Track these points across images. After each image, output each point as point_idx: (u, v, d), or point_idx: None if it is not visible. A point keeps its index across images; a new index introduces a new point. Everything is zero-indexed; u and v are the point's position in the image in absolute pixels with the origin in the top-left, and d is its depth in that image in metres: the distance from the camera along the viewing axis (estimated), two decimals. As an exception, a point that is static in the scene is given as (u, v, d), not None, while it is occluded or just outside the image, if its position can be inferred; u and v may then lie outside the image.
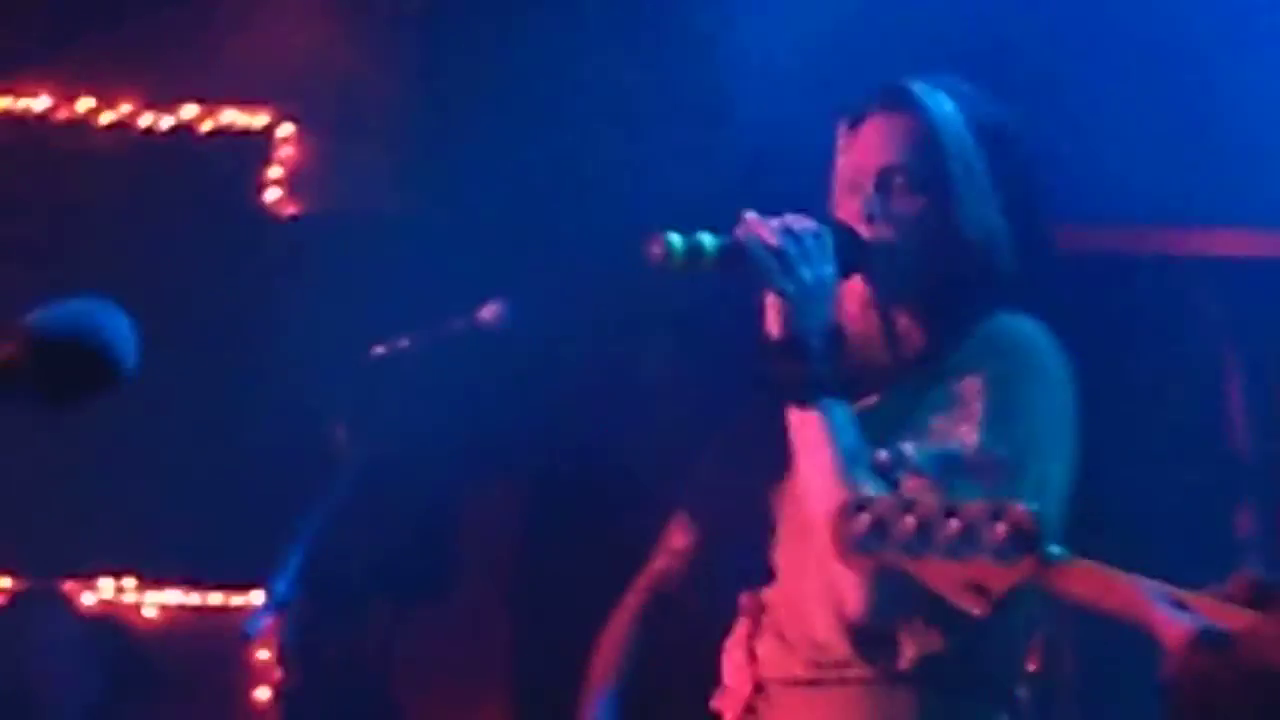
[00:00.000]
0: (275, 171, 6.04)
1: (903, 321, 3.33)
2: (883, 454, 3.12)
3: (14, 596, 5.69)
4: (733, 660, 3.40)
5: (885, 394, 3.30)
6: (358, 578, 5.26)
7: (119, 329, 2.25)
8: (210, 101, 5.99)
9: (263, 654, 5.69)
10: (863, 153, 3.29)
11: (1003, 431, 3.14)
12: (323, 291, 5.64)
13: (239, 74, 5.93)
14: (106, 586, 5.97)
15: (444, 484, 5.71)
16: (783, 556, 3.38)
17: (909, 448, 3.11)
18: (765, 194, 3.41)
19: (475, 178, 5.75)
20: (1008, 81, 5.84)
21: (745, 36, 5.55)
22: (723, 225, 3.24)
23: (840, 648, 3.25)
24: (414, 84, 5.99)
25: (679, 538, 3.80)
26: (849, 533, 2.57)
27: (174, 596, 5.96)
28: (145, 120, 5.94)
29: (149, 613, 6.01)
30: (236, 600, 5.84)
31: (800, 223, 3.17)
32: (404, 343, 4.54)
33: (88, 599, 5.95)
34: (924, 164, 3.29)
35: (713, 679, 3.67)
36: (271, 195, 6.03)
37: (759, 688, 3.37)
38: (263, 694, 5.76)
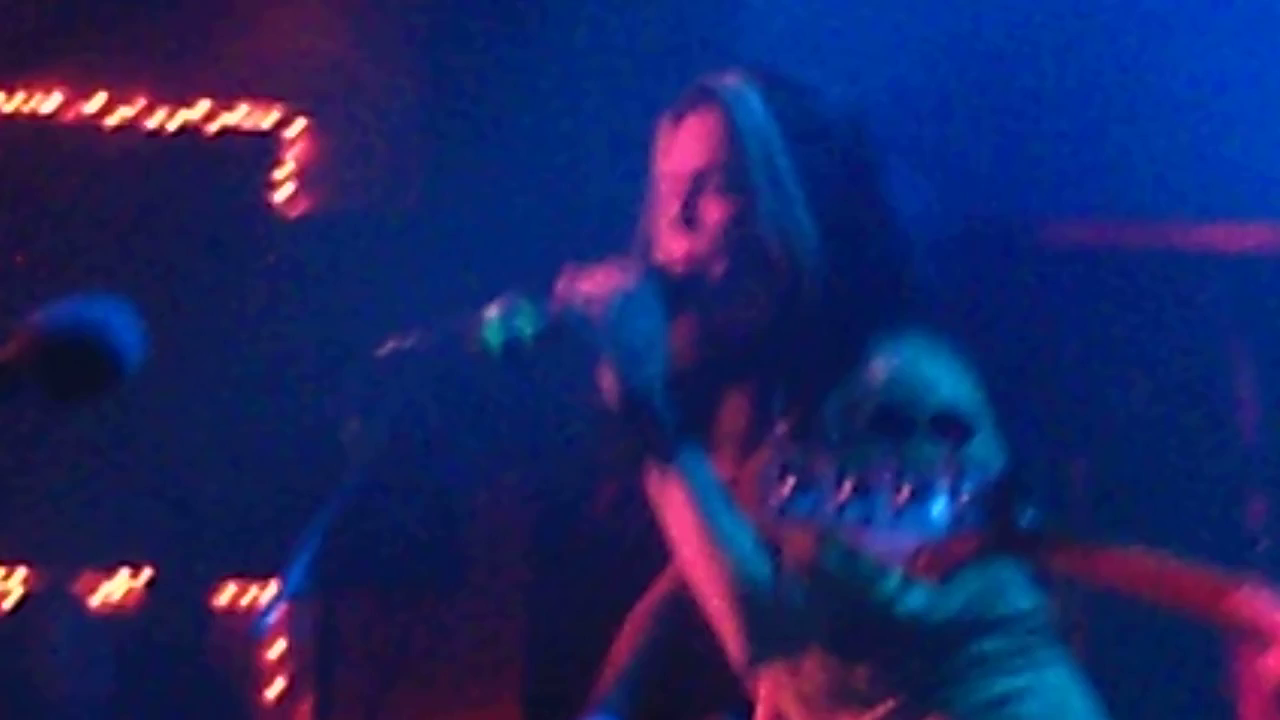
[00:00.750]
0: (285, 170, 5.95)
1: (748, 379, 3.15)
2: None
3: (28, 592, 5.69)
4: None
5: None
6: (370, 572, 5.13)
7: (124, 326, 2.24)
8: (219, 99, 5.92)
9: (274, 650, 5.62)
10: (678, 156, 3.13)
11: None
12: (333, 288, 5.58)
13: (248, 72, 5.94)
14: (120, 581, 5.86)
15: (457, 478, 5.58)
16: None
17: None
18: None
19: (484, 175, 5.71)
20: (1013, 73, 5.58)
21: (754, 41, 5.55)
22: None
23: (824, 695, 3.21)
24: (423, 81, 5.95)
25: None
26: (772, 499, 2.33)
27: (188, 590, 5.84)
28: (154, 119, 5.91)
29: (160, 607, 5.89)
30: (248, 595, 5.75)
31: (618, 276, 3.05)
32: (410, 340, 3.84)
33: (100, 594, 5.86)
34: (728, 167, 3.13)
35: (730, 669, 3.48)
36: (281, 193, 6.02)
37: None
38: (274, 689, 5.67)
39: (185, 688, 5.85)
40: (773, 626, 3.04)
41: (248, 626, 5.64)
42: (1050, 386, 5.24)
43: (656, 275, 3.04)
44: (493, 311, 3.02)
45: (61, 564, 5.77)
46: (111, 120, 6.02)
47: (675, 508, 3.02)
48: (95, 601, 5.91)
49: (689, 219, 3.06)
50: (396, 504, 5.09)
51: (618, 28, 5.60)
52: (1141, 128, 5.43)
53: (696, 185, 3.07)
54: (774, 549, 3.01)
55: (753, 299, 3.09)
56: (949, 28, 5.37)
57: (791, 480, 2.39)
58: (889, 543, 2.29)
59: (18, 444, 5.67)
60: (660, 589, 3.83)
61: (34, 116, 6.03)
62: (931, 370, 3.02)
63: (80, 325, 2.25)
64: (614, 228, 4.09)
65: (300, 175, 6.04)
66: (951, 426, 2.53)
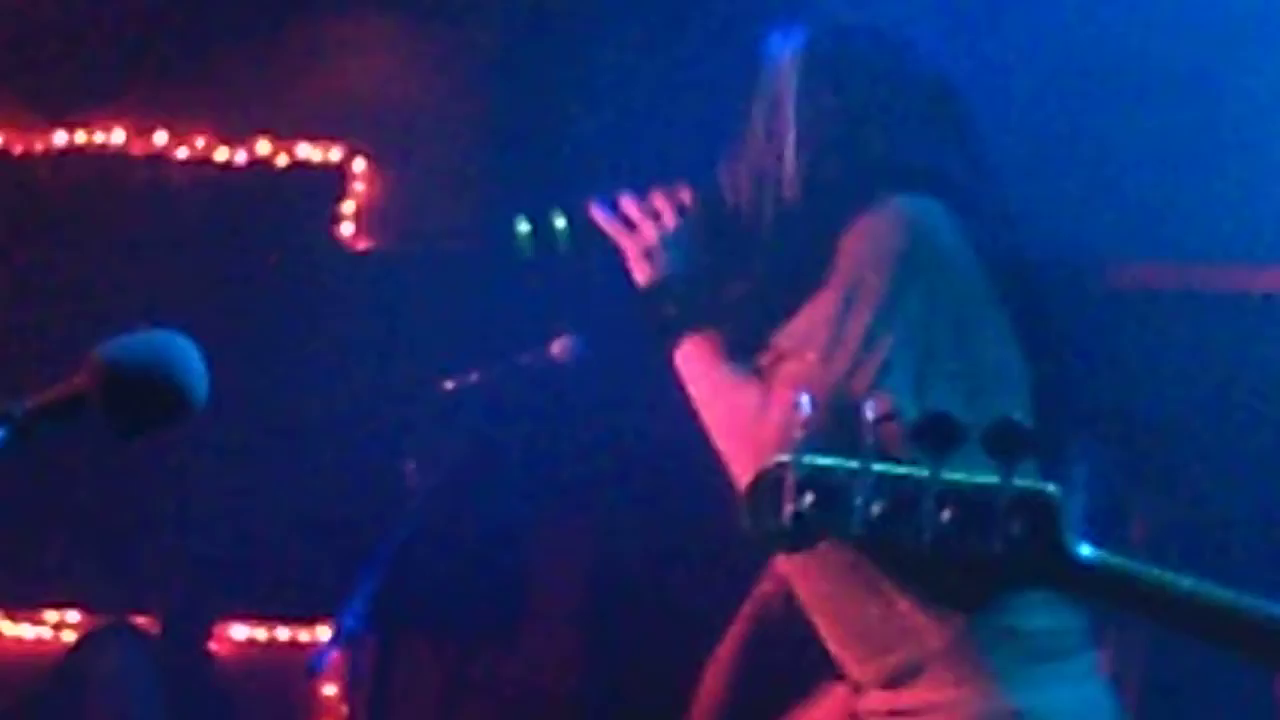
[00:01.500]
0: (349, 206, 5.89)
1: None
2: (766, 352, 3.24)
3: (86, 632, 5.58)
4: None
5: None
6: (428, 613, 5.12)
7: (190, 362, 2.22)
8: (285, 136, 5.86)
9: (329, 689, 5.55)
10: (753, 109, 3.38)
11: (868, 313, 3.18)
12: (395, 324, 5.61)
13: (314, 109, 5.90)
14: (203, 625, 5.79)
15: (516, 518, 5.59)
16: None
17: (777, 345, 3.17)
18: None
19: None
20: (1079, 114, 5.52)
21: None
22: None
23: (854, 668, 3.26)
24: (485, 120, 5.83)
25: (782, 561, 3.65)
26: (790, 511, 2.13)
27: (242, 631, 5.78)
28: (221, 155, 5.87)
29: (218, 647, 5.82)
30: (304, 635, 5.68)
31: (666, 200, 3.29)
32: (474, 376, 4.43)
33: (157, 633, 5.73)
34: (756, 106, 3.33)
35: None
36: (345, 229, 5.93)
37: None
38: None
39: None
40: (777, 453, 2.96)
41: (304, 667, 5.10)
42: (1119, 427, 5.01)
43: (707, 201, 3.27)
44: (524, 218, 3.29)
45: (115, 606, 5.63)
46: (178, 155, 5.94)
47: (696, 380, 3.23)
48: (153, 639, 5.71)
49: (757, 135, 3.28)
50: (454, 544, 5.05)
51: (676, 62, 5.44)
52: (1206, 171, 5.29)
53: (747, 132, 3.28)
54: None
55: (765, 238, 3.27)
56: (1016, 68, 5.18)
57: (811, 498, 2.23)
58: (922, 563, 2.09)
59: (77, 481, 5.57)
60: (738, 631, 3.94)
61: (101, 151, 5.92)
62: (934, 216, 3.22)
63: (150, 360, 2.22)
64: None
65: (363, 211, 5.95)
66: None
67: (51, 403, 2.19)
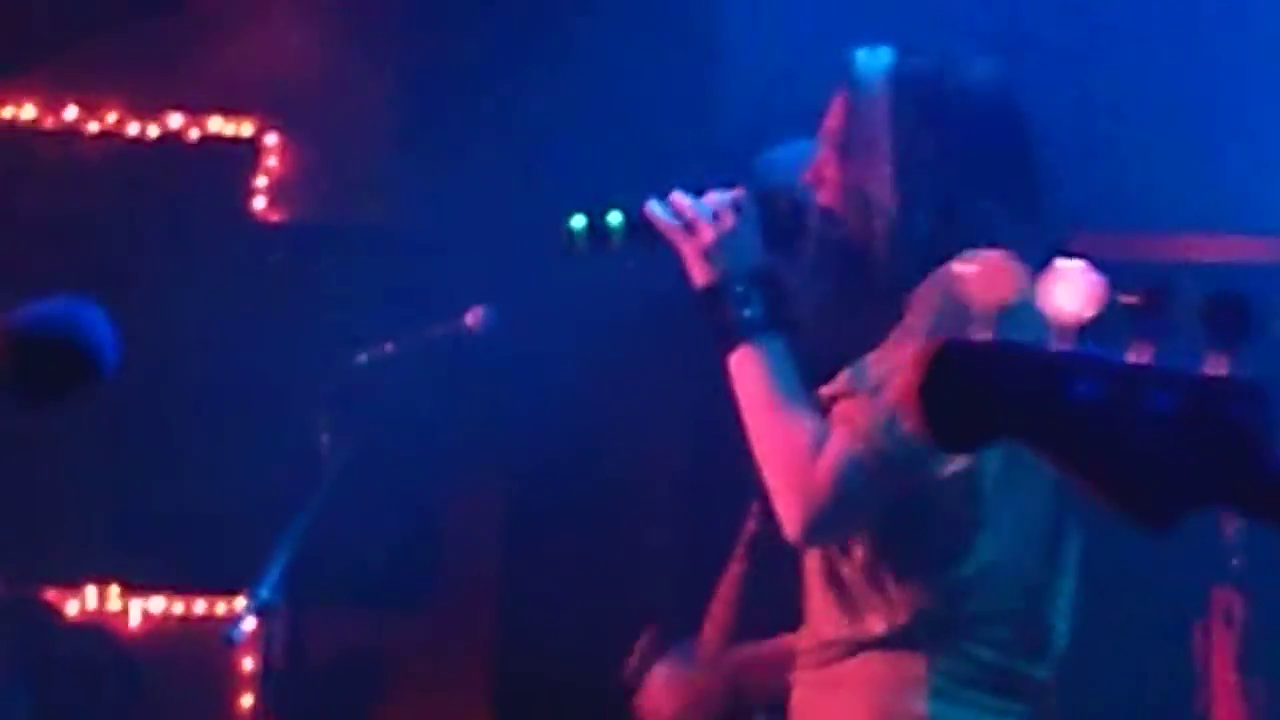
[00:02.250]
0: (261, 180, 5.94)
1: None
2: (831, 390, 3.19)
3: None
4: None
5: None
6: (341, 583, 5.06)
7: (98, 327, 2.23)
8: (197, 110, 5.82)
9: (247, 661, 5.48)
10: (827, 121, 3.30)
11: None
12: (307, 298, 5.57)
13: (226, 83, 5.89)
14: (91, 594, 5.87)
15: (428, 489, 5.57)
16: None
17: (848, 384, 3.15)
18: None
19: (459, 186, 5.62)
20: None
21: (739, 41, 5.54)
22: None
23: (827, 627, 3.24)
24: (398, 93, 5.82)
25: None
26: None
27: (158, 604, 5.79)
28: (132, 129, 5.85)
29: (134, 620, 5.83)
30: (220, 607, 5.65)
31: (720, 196, 3.23)
32: (388, 348, 4.39)
33: (73, 607, 5.83)
34: (844, 131, 3.26)
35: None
36: (258, 203, 5.98)
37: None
38: (246, 700, 5.56)
39: (158, 701, 5.73)
40: (828, 505, 3.09)
41: (220, 639, 4.93)
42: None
43: (766, 198, 3.25)
44: (578, 215, 3.20)
45: (30, 580, 5.60)
46: (89, 129, 5.90)
47: (743, 387, 3.16)
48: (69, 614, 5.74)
49: (817, 175, 3.27)
50: (368, 515, 4.95)
51: (597, 36, 5.44)
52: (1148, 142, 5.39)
53: (825, 144, 3.25)
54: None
55: (848, 243, 3.23)
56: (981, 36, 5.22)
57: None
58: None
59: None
60: (734, 571, 4.01)
61: (12, 126, 5.86)
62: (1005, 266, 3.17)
63: (51, 326, 2.21)
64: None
65: (276, 185, 5.91)
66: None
67: None
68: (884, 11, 5.03)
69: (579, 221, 3.21)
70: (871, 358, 3.14)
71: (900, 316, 3.17)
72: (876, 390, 3.11)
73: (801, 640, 3.29)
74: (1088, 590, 3.49)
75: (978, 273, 3.12)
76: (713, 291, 3.19)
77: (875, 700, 3.18)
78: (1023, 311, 2.84)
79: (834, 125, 3.27)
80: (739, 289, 3.23)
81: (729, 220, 3.25)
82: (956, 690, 3.14)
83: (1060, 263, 1.74)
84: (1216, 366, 1.71)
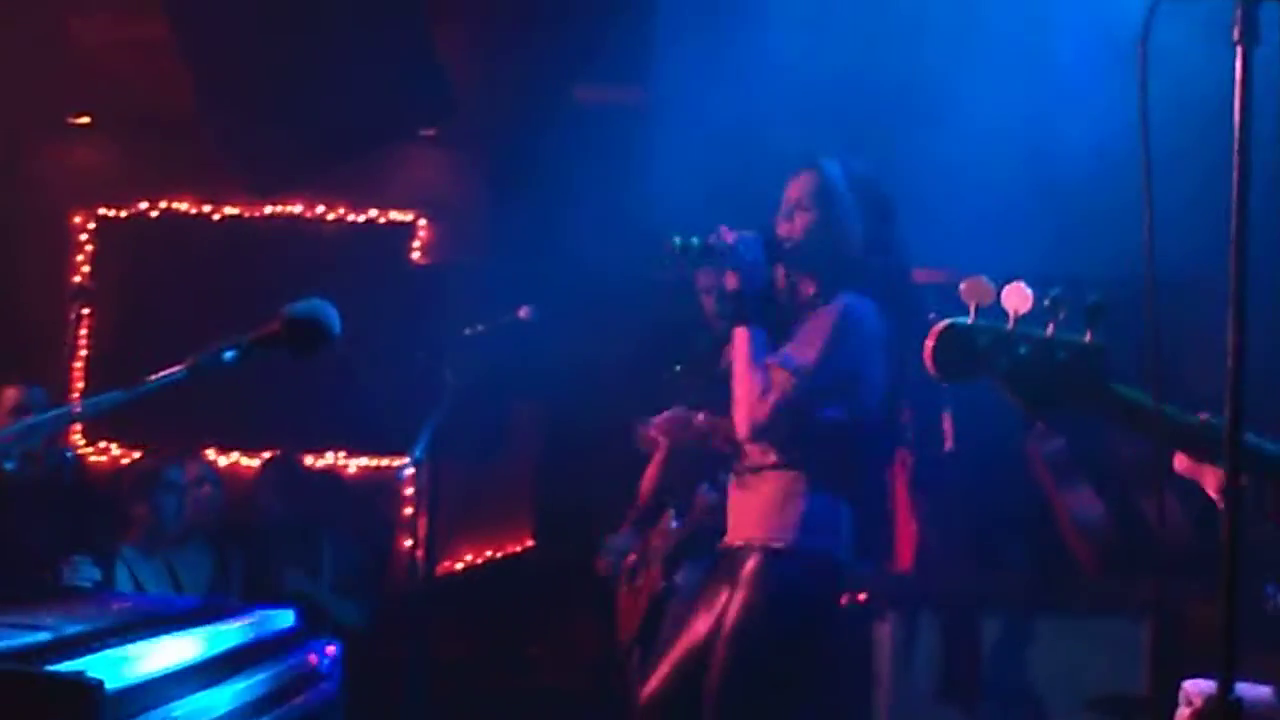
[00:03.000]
0: (417, 242, 7.64)
1: (802, 285, 4.03)
2: (770, 360, 3.89)
3: (268, 460, 6.77)
4: None
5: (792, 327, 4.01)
6: (456, 450, 5.53)
7: (330, 314, 2.61)
8: (385, 207, 7.62)
9: (409, 490, 6.78)
10: (791, 191, 4.00)
11: (812, 354, 3.87)
12: (442, 301, 6.90)
13: (402, 193, 7.60)
14: (329, 456, 7.44)
15: (501, 402, 6.86)
16: None
17: (783, 354, 3.86)
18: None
19: (519, 243, 7.01)
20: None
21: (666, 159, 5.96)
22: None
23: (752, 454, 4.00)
24: (490, 199, 7.40)
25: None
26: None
27: (365, 461, 7.51)
28: (352, 217, 7.65)
29: (351, 468, 7.55)
30: (394, 462, 7.06)
31: (746, 233, 3.88)
32: (480, 328, 5.46)
33: (317, 462, 7.26)
34: (813, 199, 3.93)
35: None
36: (415, 254, 7.63)
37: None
38: (408, 510, 7.05)
39: (361, 514, 6.99)
40: (762, 422, 3.85)
41: (393, 478, 6.86)
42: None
43: (768, 236, 3.93)
44: (678, 236, 3.81)
45: (289, 446, 6.76)
46: (329, 218, 7.48)
47: (739, 349, 3.86)
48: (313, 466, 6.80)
49: (789, 216, 3.97)
50: (470, 415, 5.55)
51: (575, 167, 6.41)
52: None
53: (796, 204, 3.97)
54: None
55: (805, 261, 3.95)
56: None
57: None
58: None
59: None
60: (658, 458, 5.09)
61: (287, 217, 7.38)
62: (861, 308, 3.90)
63: (308, 313, 2.59)
64: (598, 269, 6.07)
65: (424, 245, 7.64)
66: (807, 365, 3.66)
67: (258, 337, 2.58)
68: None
69: (679, 239, 3.77)
70: (789, 347, 3.86)
71: (805, 318, 3.90)
72: (797, 369, 3.81)
73: (739, 464, 4.07)
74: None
75: (849, 305, 3.82)
76: (736, 292, 3.89)
77: (776, 490, 3.94)
78: (858, 331, 3.77)
79: (802, 196, 3.92)
80: (748, 294, 3.87)
81: (751, 249, 3.84)
82: (824, 483, 3.93)
83: (1012, 283, 2.24)
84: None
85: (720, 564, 4.02)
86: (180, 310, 7.03)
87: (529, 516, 7.46)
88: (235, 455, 7.54)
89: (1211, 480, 2.46)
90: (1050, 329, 2.26)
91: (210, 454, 7.24)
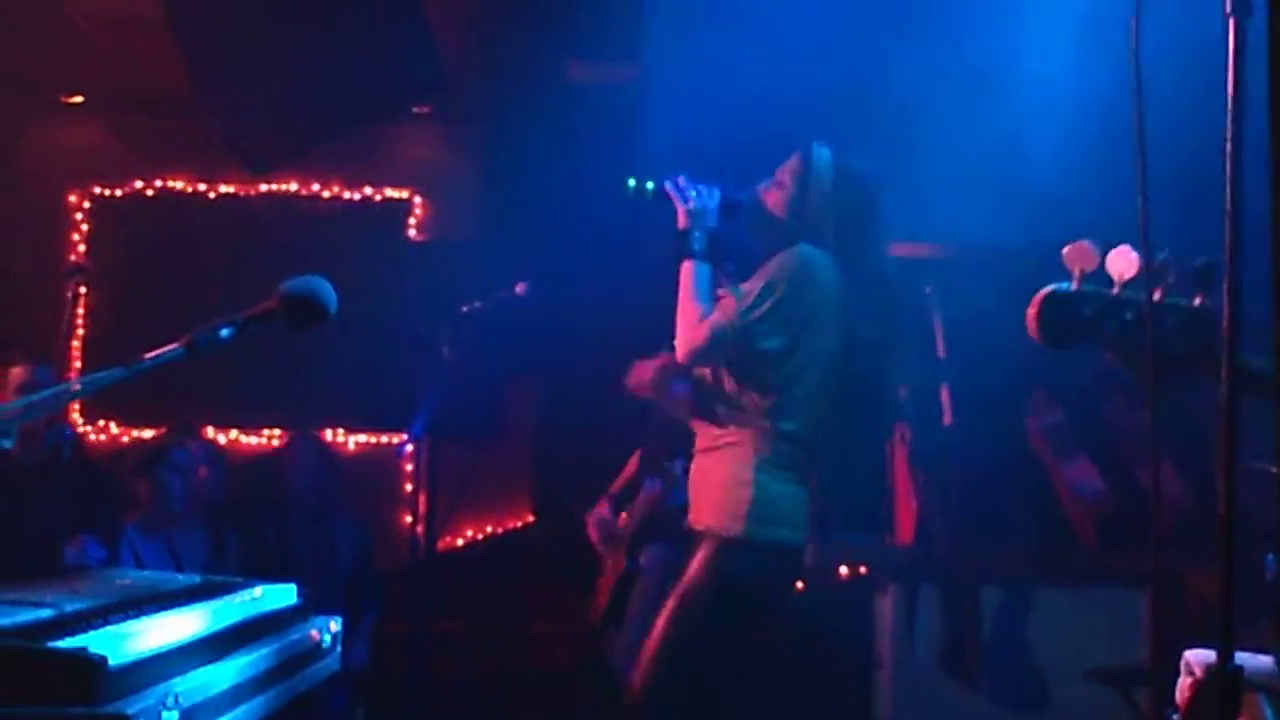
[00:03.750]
0: (412, 219, 7.67)
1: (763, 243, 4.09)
2: (721, 291, 3.98)
3: (294, 438, 6.60)
4: None
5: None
6: (453, 426, 5.61)
7: (326, 290, 2.62)
8: (380, 184, 7.63)
9: (408, 466, 7.05)
10: (781, 168, 4.07)
11: (757, 284, 3.90)
12: (438, 277, 6.76)
13: (397, 170, 7.57)
14: (328, 433, 7.44)
15: (497, 377, 6.75)
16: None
17: (730, 288, 3.95)
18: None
19: (514, 220, 7.07)
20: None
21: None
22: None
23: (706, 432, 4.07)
24: (482, 176, 7.44)
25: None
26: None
27: (362, 438, 7.55)
28: (348, 195, 7.59)
29: (350, 445, 7.50)
30: (393, 439, 7.28)
31: (702, 184, 3.98)
32: (477, 304, 5.54)
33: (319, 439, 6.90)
34: (792, 176, 4.00)
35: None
36: (411, 231, 7.65)
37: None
38: (408, 486, 7.17)
39: (362, 487, 6.94)
40: (697, 342, 3.90)
41: (394, 454, 6.97)
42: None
43: (724, 191, 4.01)
44: (632, 179, 3.94)
45: (300, 425, 6.75)
46: (324, 195, 7.47)
47: (683, 282, 3.95)
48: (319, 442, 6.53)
49: (768, 188, 4.03)
50: (468, 389, 5.67)
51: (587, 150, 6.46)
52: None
53: (777, 176, 4.05)
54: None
55: (764, 225, 4.03)
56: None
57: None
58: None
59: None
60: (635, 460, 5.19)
61: (281, 195, 7.39)
62: (815, 257, 3.93)
63: (304, 289, 2.60)
64: (588, 249, 6.10)
65: (419, 222, 7.68)
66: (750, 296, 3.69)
67: (255, 314, 2.58)
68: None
69: (633, 181, 3.90)
70: (745, 284, 3.91)
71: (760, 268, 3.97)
72: (742, 297, 3.85)
73: (696, 441, 4.11)
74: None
75: (794, 253, 3.85)
76: (684, 231, 3.95)
77: (726, 475, 3.95)
78: (799, 274, 3.79)
79: (789, 170, 4.00)
80: (695, 233, 3.93)
81: (702, 198, 3.94)
82: (769, 466, 3.92)
83: (1117, 247, 2.16)
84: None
85: (689, 543, 4.00)
86: (176, 288, 7.06)
87: (528, 492, 7.49)
88: (234, 433, 7.53)
89: None
90: (1158, 293, 2.20)
91: (210, 432, 7.22)
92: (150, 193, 7.61)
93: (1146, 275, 2.17)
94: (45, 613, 2.54)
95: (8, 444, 4.95)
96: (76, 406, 7.43)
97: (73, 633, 2.42)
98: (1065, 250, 2.21)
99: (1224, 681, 1.89)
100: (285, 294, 2.56)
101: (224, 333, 2.52)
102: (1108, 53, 4.71)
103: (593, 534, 5.37)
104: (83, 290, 7.05)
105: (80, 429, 7.34)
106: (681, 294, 3.93)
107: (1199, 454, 5.27)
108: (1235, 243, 1.91)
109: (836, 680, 5.60)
